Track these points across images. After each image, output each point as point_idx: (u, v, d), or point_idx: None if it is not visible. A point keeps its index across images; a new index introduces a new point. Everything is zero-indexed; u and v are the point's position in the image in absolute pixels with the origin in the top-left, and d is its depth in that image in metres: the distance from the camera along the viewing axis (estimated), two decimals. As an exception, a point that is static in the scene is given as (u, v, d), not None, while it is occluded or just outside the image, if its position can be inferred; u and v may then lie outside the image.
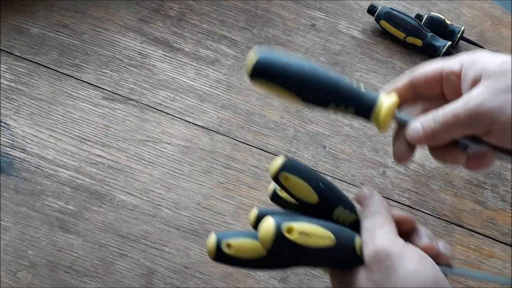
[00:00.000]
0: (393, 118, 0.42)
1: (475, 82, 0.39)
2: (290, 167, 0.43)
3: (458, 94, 0.41)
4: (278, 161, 0.43)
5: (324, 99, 0.42)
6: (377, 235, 0.40)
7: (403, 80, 0.43)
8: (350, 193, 0.65)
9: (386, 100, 0.42)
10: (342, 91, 0.42)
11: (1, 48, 0.72)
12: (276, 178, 0.43)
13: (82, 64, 0.72)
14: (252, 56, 0.41)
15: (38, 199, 0.61)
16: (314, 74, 0.41)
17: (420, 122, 0.41)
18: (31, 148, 0.64)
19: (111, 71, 0.71)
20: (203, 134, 0.68)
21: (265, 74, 0.41)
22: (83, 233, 0.60)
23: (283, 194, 0.48)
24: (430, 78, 0.42)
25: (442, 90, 0.43)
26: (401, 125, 0.43)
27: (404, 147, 0.42)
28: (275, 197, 0.48)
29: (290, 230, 0.38)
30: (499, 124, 0.38)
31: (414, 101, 0.44)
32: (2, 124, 0.66)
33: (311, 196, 0.43)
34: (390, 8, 0.78)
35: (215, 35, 0.77)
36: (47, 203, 0.61)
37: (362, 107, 0.42)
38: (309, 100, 0.42)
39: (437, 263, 0.40)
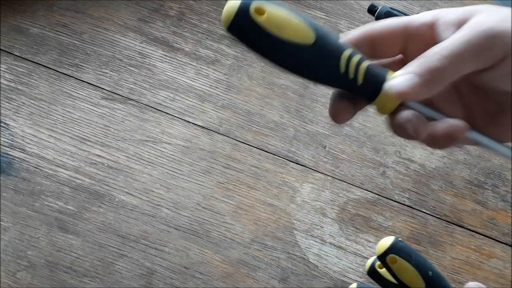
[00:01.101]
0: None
1: (462, 22, 0.33)
2: (400, 250, 0.42)
3: (426, 49, 0.34)
4: (388, 241, 0.42)
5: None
6: None
7: (360, 31, 0.36)
8: (350, 193, 0.65)
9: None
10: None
11: (1, 48, 0.71)
12: (382, 257, 0.42)
13: (82, 64, 0.71)
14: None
15: (37, 199, 0.61)
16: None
17: (410, 67, 0.33)
18: (30, 148, 0.64)
19: (111, 71, 0.71)
20: (203, 134, 0.68)
21: (241, 34, 0.32)
22: (82, 233, 0.60)
23: (382, 270, 0.47)
24: (392, 33, 0.36)
25: (402, 49, 0.36)
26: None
27: (348, 104, 0.34)
28: (373, 273, 0.47)
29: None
30: None
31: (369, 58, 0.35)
32: (2, 124, 0.66)
33: (418, 283, 0.42)
34: (391, 8, 0.78)
35: (215, 35, 0.76)
36: (47, 203, 0.61)
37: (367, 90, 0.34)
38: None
39: None
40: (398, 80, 0.33)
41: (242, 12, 0.30)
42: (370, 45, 0.36)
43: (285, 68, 0.33)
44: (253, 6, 0.30)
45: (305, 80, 0.35)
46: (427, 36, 0.35)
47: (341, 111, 0.35)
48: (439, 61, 0.32)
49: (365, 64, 0.33)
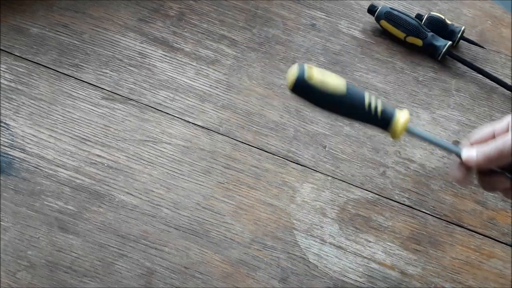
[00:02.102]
0: (407, 131, 0.50)
1: None
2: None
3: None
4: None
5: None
6: None
7: (466, 142, 0.52)
8: (350, 193, 0.65)
9: (400, 118, 0.49)
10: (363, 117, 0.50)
11: (1, 48, 0.72)
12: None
13: (82, 64, 0.72)
14: (292, 72, 0.48)
15: (37, 199, 0.61)
16: (345, 102, 0.49)
17: (475, 149, 0.49)
18: (30, 148, 0.64)
19: (111, 71, 0.71)
20: (203, 134, 0.68)
21: (301, 92, 0.49)
22: (82, 233, 0.60)
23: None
24: (485, 138, 0.50)
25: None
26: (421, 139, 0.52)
27: (461, 171, 0.50)
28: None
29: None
30: None
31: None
32: (2, 124, 0.66)
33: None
34: (390, 8, 0.78)
35: (215, 35, 0.76)
36: (47, 203, 0.61)
37: (383, 123, 0.50)
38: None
39: None
40: (467, 152, 0.49)
41: (300, 78, 0.48)
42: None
43: (330, 110, 0.50)
44: (306, 74, 0.48)
45: (344, 118, 0.53)
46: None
47: (463, 178, 0.50)
48: (494, 151, 0.48)
49: (381, 104, 0.49)
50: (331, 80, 0.49)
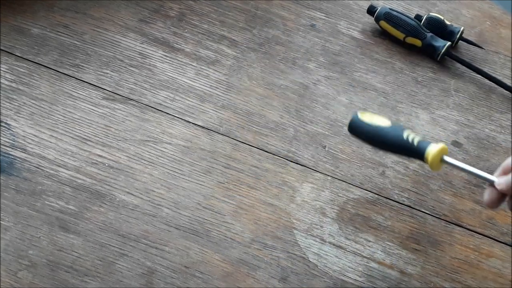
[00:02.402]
0: (442, 162, 0.55)
1: None
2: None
3: None
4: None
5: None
6: None
7: (499, 170, 0.54)
8: (350, 193, 0.66)
9: (433, 147, 0.55)
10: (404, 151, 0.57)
11: (2, 48, 0.72)
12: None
13: (82, 64, 0.72)
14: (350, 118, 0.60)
15: (38, 199, 0.61)
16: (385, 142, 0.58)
17: (506, 178, 0.52)
18: (31, 148, 0.65)
19: (111, 71, 0.72)
20: (203, 134, 0.68)
21: (353, 133, 0.60)
22: (83, 233, 0.60)
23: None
24: None
25: None
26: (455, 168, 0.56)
27: (494, 195, 0.52)
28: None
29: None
30: None
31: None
32: (3, 124, 0.66)
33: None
34: (390, 9, 0.79)
35: (215, 36, 0.77)
36: (48, 203, 0.61)
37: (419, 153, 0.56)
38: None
39: None
40: (501, 180, 0.52)
41: (355, 118, 0.59)
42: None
43: (378, 142, 0.58)
44: (359, 115, 0.59)
45: (388, 152, 0.60)
46: None
47: (495, 203, 0.53)
48: None
49: (417, 137, 0.56)
50: (378, 118, 0.59)
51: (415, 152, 0.56)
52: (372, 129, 0.58)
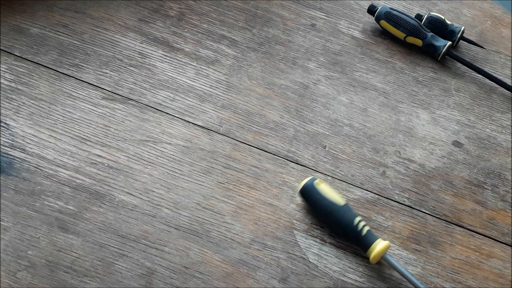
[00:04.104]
0: (382, 259, 0.59)
1: None
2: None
3: None
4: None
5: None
6: None
7: None
8: (350, 193, 0.65)
9: (379, 244, 0.58)
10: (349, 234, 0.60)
11: (1, 48, 0.72)
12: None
13: (82, 64, 0.72)
14: (302, 183, 0.62)
15: (38, 199, 0.61)
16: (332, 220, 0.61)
17: None
18: (31, 148, 0.64)
19: (111, 71, 0.72)
20: (203, 134, 0.68)
21: (304, 197, 0.63)
22: (83, 233, 0.60)
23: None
24: None
25: None
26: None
27: None
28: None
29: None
30: None
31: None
32: (2, 124, 0.66)
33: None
34: (390, 8, 0.78)
35: (215, 35, 0.77)
36: (47, 203, 0.61)
37: (365, 243, 0.59)
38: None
39: None
40: None
41: (310, 185, 0.61)
42: None
43: (326, 217, 0.61)
44: (315, 182, 0.61)
45: (334, 231, 0.62)
46: None
47: None
48: None
49: (366, 227, 0.59)
50: (334, 194, 0.61)
51: (361, 242, 0.59)
52: (325, 202, 0.60)
